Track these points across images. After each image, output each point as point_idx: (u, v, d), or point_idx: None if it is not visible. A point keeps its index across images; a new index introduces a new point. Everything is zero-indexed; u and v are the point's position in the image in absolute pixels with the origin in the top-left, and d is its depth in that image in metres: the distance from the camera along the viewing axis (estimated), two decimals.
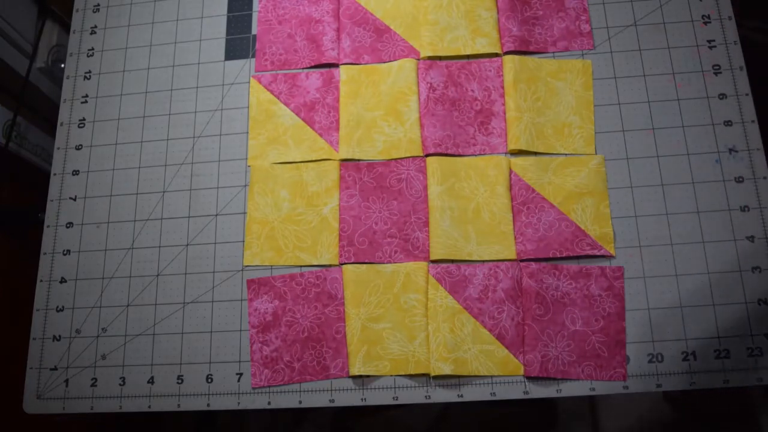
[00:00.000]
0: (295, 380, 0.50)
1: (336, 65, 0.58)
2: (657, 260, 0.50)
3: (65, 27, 0.74)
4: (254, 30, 0.61)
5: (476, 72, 0.56)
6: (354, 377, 0.50)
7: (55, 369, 0.53)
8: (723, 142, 0.52)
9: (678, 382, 0.48)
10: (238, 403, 0.51)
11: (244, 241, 0.54)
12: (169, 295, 0.54)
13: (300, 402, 0.50)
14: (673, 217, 0.51)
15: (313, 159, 0.55)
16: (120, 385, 0.52)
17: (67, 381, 0.53)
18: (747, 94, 0.53)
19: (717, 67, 0.54)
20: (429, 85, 0.55)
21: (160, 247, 0.55)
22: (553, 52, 0.56)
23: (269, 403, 0.50)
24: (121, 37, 0.63)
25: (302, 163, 0.56)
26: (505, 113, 0.55)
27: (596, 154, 0.53)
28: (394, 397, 0.49)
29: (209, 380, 0.51)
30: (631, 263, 0.50)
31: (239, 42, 0.60)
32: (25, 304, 0.56)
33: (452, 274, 0.51)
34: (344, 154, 0.55)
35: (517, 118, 0.53)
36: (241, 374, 0.51)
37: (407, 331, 0.50)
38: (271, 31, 0.60)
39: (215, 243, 0.55)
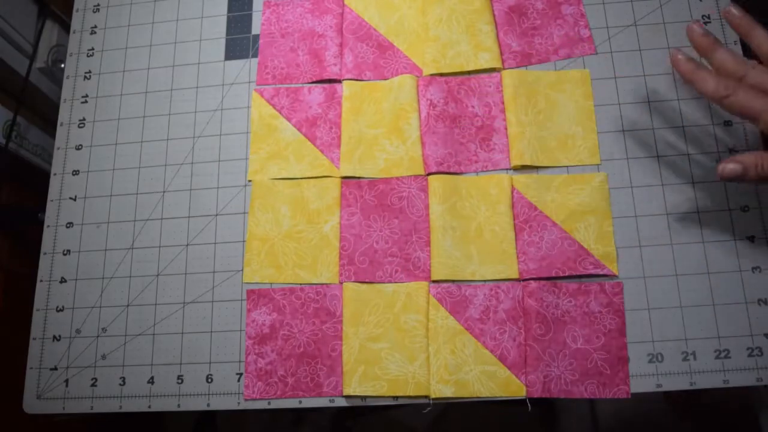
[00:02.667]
0: (287, 395, 0.50)
1: (338, 81, 0.57)
2: (657, 260, 0.50)
3: (65, 27, 0.74)
4: (254, 30, 0.61)
5: (476, 87, 0.56)
6: (349, 396, 0.49)
7: (55, 369, 0.53)
8: (723, 142, 0.52)
9: (678, 382, 0.48)
10: (238, 403, 0.51)
11: (243, 257, 0.54)
12: (169, 295, 0.54)
13: (300, 402, 0.50)
14: (673, 217, 0.51)
15: (314, 176, 0.55)
16: (120, 385, 0.52)
17: (67, 381, 0.53)
18: None
19: None
20: (429, 101, 0.55)
21: (160, 247, 0.55)
22: (555, 61, 0.56)
23: (269, 404, 0.50)
24: (121, 37, 0.63)
25: (303, 180, 0.55)
26: (506, 129, 0.54)
27: (601, 161, 0.53)
28: (394, 398, 0.49)
29: (209, 380, 0.51)
30: (631, 263, 0.50)
31: (239, 42, 0.60)
32: (25, 304, 0.56)
33: (453, 294, 0.50)
34: (345, 171, 0.54)
35: (519, 133, 0.53)
36: (240, 374, 0.51)
37: (407, 351, 0.49)
38: (274, 44, 0.59)
39: (215, 243, 0.55)
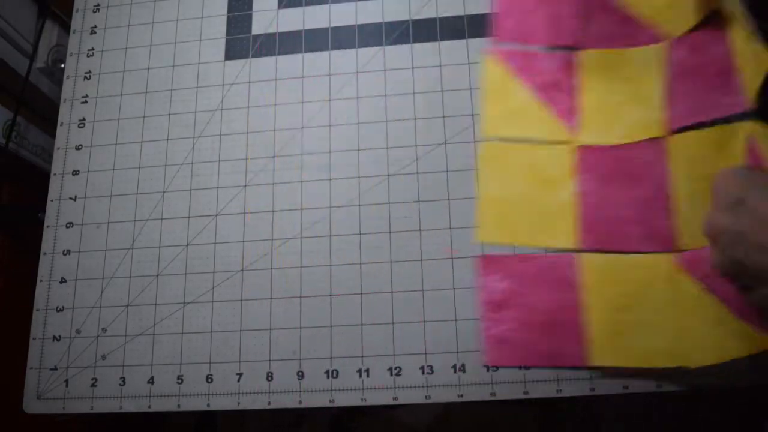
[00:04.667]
0: (529, 362, 0.48)
1: (576, 48, 0.54)
2: None
3: (65, 27, 0.74)
4: (254, 30, 0.61)
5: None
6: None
7: (55, 369, 0.53)
8: None
9: (678, 383, 0.47)
10: (238, 403, 0.51)
11: (475, 217, 0.52)
12: (169, 295, 0.54)
13: (300, 402, 0.50)
14: None
15: (549, 140, 0.52)
16: (120, 385, 0.52)
17: (67, 381, 0.53)
18: None
19: None
20: (677, 60, 0.50)
21: (160, 247, 0.55)
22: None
23: (269, 404, 0.50)
24: (121, 37, 0.63)
25: (537, 145, 0.53)
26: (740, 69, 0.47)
27: None
28: (394, 398, 0.49)
29: (209, 380, 0.51)
30: None
31: (239, 42, 0.60)
32: (25, 304, 0.56)
33: (703, 261, 0.46)
34: (582, 138, 0.52)
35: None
36: (241, 374, 0.51)
37: (658, 323, 0.46)
38: (512, 2, 0.56)
39: (215, 243, 0.55)
